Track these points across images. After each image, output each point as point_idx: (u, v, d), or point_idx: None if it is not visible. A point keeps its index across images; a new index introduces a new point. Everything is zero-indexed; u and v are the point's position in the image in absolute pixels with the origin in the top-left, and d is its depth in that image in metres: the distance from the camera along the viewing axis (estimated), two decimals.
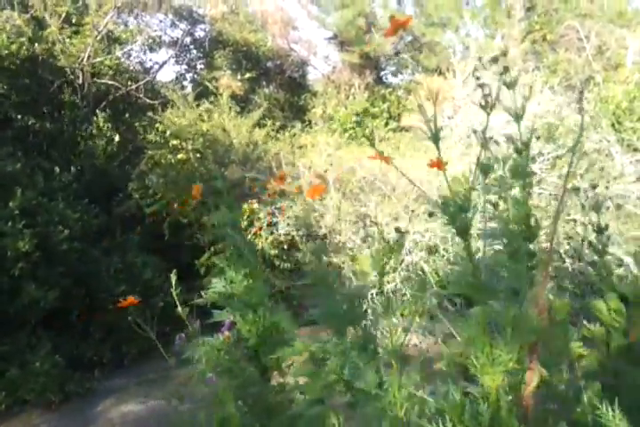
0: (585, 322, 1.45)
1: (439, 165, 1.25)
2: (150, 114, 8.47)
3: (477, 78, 1.29)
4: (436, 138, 1.11)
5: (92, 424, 4.95)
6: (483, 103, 1.27)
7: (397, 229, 1.34)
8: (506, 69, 1.32)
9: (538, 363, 1.18)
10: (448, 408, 1.07)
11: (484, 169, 1.29)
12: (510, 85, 1.37)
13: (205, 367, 1.35)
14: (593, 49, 11.33)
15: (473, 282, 1.10)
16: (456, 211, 1.31)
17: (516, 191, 1.40)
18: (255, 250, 1.54)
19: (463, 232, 1.14)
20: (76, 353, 5.78)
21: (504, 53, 1.49)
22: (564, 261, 5.11)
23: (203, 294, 1.34)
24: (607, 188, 5.40)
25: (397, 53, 14.22)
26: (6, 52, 7.24)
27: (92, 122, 8.05)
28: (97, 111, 8.22)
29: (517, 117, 1.42)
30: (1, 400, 4.99)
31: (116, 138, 8.00)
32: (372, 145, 1.10)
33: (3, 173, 5.72)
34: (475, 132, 1.57)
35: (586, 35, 11.40)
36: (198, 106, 8.36)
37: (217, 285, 1.30)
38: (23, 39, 7.55)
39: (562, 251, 5.16)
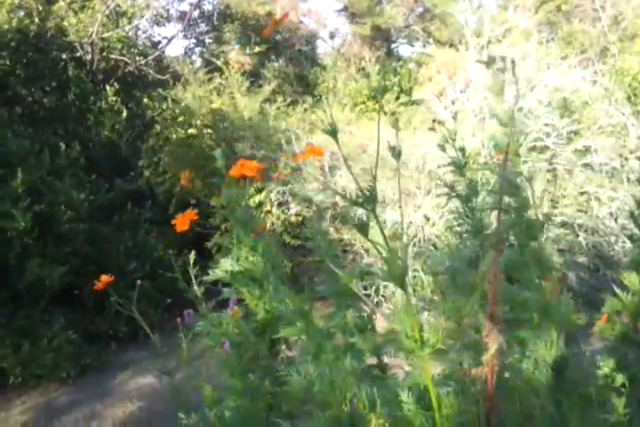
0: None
1: (317, 152, 1.19)
2: (160, 90, 8.41)
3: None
4: None
5: (108, 396, 5.05)
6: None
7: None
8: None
9: (495, 330, 1.17)
10: None
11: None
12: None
13: (214, 342, 1.36)
14: (608, 19, 11.04)
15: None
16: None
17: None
18: (261, 225, 1.53)
19: None
20: (92, 327, 5.88)
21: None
22: (578, 235, 5.07)
23: (210, 272, 1.35)
24: (626, 160, 5.33)
25: (408, 26, 13.98)
26: (6, 26, 7.19)
27: (100, 97, 8.01)
28: (106, 86, 8.18)
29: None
30: (17, 374, 5.10)
31: (125, 113, 7.95)
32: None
33: (8, 152, 5.72)
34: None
35: (601, 4, 11.10)
36: (210, 80, 8.27)
37: (225, 263, 1.30)
38: (22, 14, 7.48)
39: (575, 225, 5.12)
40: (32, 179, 5.60)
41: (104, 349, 5.81)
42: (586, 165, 5.53)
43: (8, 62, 7.31)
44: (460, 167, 1.43)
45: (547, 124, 5.62)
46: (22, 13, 7.48)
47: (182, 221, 1.43)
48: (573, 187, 5.23)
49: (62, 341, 5.28)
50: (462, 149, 1.45)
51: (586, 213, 5.23)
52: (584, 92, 6.09)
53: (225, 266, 1.29)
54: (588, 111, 5.98)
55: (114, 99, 7.95)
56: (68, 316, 5.64)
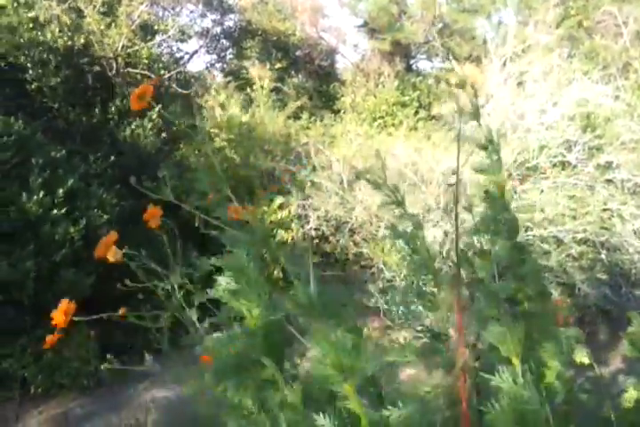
0: None
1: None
2: (184, 103, 8.52)
3: None
4: None
5: (124, 408, 5.06)
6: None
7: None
8: None
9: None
10: None
11: None
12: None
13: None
14: (631, 35, 10.97)
15: None
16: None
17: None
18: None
19: None
20: (109, 339, 5.90)
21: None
22: (600, 253, 5.00)
23: (208, 291, 1.34)
24: None
25: (428, 42, 14.02)
26: (55, 44, 7.41)
27: (126, 111, 8.12)
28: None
29: None
30: (38, 384, 5.13)
31: (149, 126, 8.06)
32: None
33: (51, 161, 5.80)
34: None
35: (624, 20, 11.04)
36: (238, 91, 8.38)
37: (222, 282, 1.28)
38: (61, 30, 7.69)
39: (597, 242, 5.05)
40: (69, 186, 5.68)
41: (120, 360, 5.83)
42: (608, 182, 5.47)
43: (51, 79, 7.49)
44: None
45: (568, 141, 5.58)
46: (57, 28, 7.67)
47: (151, 215, 1.45)
48: (596, 203, 5.16)
49: (84, 351, 5.30)
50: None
51: (608, 229, 5.15)
52: (606, 108, 6.03)
53: (222, 285, 1.26)
54: (610, 127, 5.93)
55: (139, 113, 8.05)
56: (89, 326, 5.67)
